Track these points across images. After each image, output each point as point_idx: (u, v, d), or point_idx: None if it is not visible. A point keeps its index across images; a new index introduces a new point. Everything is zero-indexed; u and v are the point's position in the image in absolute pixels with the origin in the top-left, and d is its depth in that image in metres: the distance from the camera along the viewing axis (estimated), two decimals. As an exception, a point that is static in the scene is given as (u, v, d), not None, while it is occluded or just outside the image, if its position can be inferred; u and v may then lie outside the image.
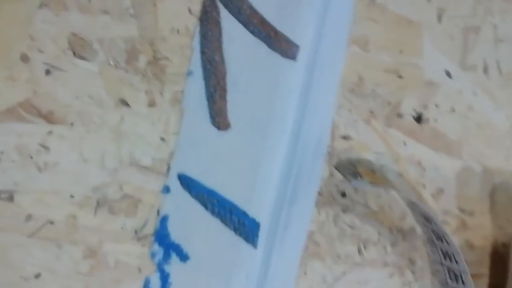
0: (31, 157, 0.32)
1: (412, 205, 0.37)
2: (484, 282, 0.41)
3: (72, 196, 0.32)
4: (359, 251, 0.38)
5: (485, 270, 0.41)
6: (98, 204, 0.32)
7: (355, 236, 0.38)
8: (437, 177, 0.40)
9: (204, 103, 0.35)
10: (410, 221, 0.40)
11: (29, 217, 0.31)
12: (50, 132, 0.32)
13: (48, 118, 0.32)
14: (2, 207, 0.31)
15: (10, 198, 0.31)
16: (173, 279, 0.34)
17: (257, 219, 0.35)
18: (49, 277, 0.32)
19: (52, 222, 0.32)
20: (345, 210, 0.38)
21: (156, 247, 0.33)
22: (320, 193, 0.37)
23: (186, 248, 0.34)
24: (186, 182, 0.34)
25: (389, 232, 0.39)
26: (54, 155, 0.32)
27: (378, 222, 0.39)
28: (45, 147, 0.32)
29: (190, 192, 0.34)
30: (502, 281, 0.41)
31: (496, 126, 0.41)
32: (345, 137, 0.38)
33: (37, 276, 0.32)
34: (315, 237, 0.37)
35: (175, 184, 0.34)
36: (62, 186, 0.32)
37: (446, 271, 0.38)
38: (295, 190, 0.36)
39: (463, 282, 0.37)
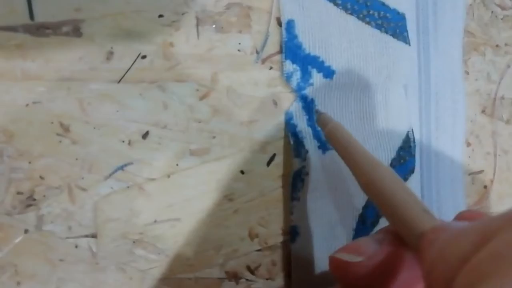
0: (88, -30, 0.22)
1: None
2: None
3: (161, 16, 0.23)
4: (518, 36, 0.31)
5: None
6: (199, 21, 0.24)
7: (510, 19, 0.31)
8: None
9: None
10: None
11: (110, 55, 0.22)
12: None
13: None
14: (69, 47, 0.22)
15: (76, 31, 0.22)
16: (320, 106, 0.26)
17: (400, 10, 0.27)
18: (160, 134, 0.23)
19: (144, 56, 0.23)
20: (491, -13, 0.30)
21: (290, 66, 0.25)
22: (458, -29, 0.30)
23: (327, 60, 0.25)
24: (303, -25, 0.25)
25: (543, 8, 0.32)
26: (119, -38, 0.23)
27: (528, -2, 0.32)
28: (104, -47, 0.22)
29: (311, -13, 0.25)
30: None
31: None
32: None
33: (145, 135, 0.23)
34: (466, 25, 0.30)
35: (289, -20, 0.25)
36: (142, 2, 0.23)
37: None
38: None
39: None
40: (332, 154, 0.26)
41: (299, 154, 0.25)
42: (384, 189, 0.18)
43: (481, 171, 0.30)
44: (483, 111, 0.31)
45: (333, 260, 0.19)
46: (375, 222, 0.27)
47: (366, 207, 0.27)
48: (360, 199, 0.27)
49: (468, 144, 0.30)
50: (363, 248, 0.18)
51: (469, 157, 0.30)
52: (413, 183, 0.28)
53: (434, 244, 0.15)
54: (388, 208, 0.18)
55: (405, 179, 0.28)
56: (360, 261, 0.18)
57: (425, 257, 0.15)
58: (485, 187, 0.31)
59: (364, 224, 0.27)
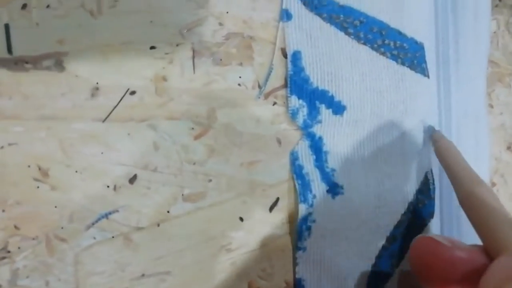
0: (74, -3, 0.20)
1: None
2: None
3: (153, 48, 0.21)
4: (547, 66, 0.28)
5: None
6: (195, 53, 0.21)
7: (537, 46, 0.28)
8: None
9: None
10: None
11: (95, 91, 0.20)
12: (92, -46, 0.21)
13: None
14: (51, 81, 0.19)
15: (59, 65, 0.20)
16: (329, 145, 0.23)
17: (418, 39, 0.25)
18: (149, 178, 0.21)
19: (133, 92, 0.20)
20: (516, 12, 0.28)
21: (295, 101, 0.23)
22: (480, -5, 0.27)
23: (337, 95, 0.23)
24: (311, 0, 0.23)
25: None
26: (108, -11, 0.21)
27: (558, 24, 0.29)
28: (91, -21, 0.20)
29: (319, 14, 0.23)
30: None
31: None
32: None
33: (132, 179, 0.20)
34: (489, 54, 0.27)
35: (296, 6, 0.23)
36: (132, 32, 0.20)
37: None
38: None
39: None
40: (342, 199, 0.23)
41: (305, 199, 0.23)
42: (482, 204, 0.19)
43: (507, 214, 0.27)
44: (508, 148, 0.28)
45: (421, 239, 0.19)
46: (390, 274, 0.25)
47: (379, 257, 0.24)
48: (373, 248, 0.24)
49: (493, 184, 0.27)
50: (455, 240, 0.19)
51: (494, 199, 0.27)
52: (433, 228, 0.25)
53: (500, 264, 0.16)
54: (481, 222, 0.19)
55: (425, 224, 0.25)
56: (448, 245, 0.18)
57: (487, 273, 0.17)
58: None
59: (377, 276, 0.24)
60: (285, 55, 0.23)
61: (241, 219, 0.23)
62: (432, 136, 0.25)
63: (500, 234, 0.18)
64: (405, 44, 0.25)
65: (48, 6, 0.20)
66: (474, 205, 0.20)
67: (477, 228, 0.19)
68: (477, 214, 0.19)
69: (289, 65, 0.23)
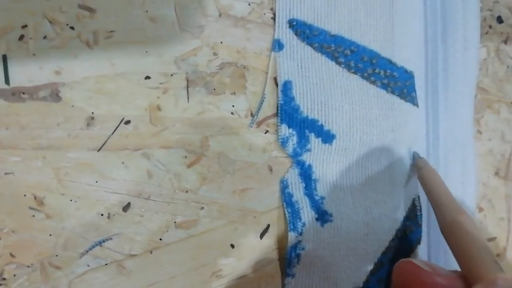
0: (72, 28, 0.21)
1: None
2: None
3: (147, 77, 0.22)
4: (535, 92, 0.30)
5: None
6: (189, 82, 0.22)
7: (526, 73, 0.29)
8: None
9: None
10: None
11: (91, 121, 0.21)
12: (89, -14, 0.22)
13: None
14: (47, 111, 0.20)
15: (55, 95, 0.21)
16: (318, 173, 0.24)
17: (408, 68, 0.26)
18: (143, 206, 0.22)
19: (127, 121, 0.21)
20: (506, 40, 0.29)
21: (285, 130, 0.24)
22: (471, 23, 0.28)
23: (327, 124, 0.24)
24: (303, 30, 0.24)
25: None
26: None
27: (546, 51, 0.30)
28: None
29: (311, 43, 0.24)
30: None
31: None
32: None
33: (126, 207, 0.21)
34: (479, 81, 0.28)
35: (288, 36, 0.24)
36: (127, 63, 0.21)
37: None
38: (446, 19, 0.27)
39: None
40: (331, 226, 0.25)
41: (295, 227, 0.24)
42: (463, 232, 0.20)
43: (493, 238, 0.29)
44: (496, 173, 0.29)
45: (402, 263, 0.21)
46: (377, 299, 0.26)
47: (367, 282, 0.25)
48: (361, 274, 0.25)
49: (480, 210, 0.29)
50: (435, 266, 0.20)
51: (481, 223, 0.29)
52: (420, 254, 0.27)
53: None
54: (461, 250, 0.20)
55: (412, 250, 0.26)
56: (428, 271, 0.20)
57: None
58: (498, 255, 0.29)
59: (365, 301, 0.26)
60: (277, 84, 0.24)
61: (232, 246, 0.24)
62: (417, 163, 0.26)
63: (478, 263, 0.19)
64: (395, 73, 0.26)
65: (45, 37, 0.21)
66: (454, 233, 0.21)
67: (456, 256, 0.21)
68: (457, 242, 0.21)
69: (280, 95, 0.24)
